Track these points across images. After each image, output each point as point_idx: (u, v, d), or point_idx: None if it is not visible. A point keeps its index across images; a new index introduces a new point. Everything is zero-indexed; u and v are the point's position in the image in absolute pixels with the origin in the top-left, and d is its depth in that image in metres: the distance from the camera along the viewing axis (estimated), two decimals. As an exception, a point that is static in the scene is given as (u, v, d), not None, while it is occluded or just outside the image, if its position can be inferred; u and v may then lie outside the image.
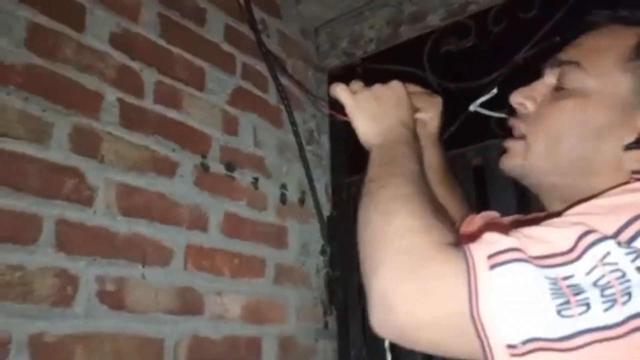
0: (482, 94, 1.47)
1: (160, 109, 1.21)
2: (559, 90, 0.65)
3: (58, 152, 1.00)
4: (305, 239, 1.53)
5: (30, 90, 0.98)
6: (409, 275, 0.51)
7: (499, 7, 1.49)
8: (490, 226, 0.80)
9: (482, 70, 1.51)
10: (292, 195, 1.52)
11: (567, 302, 0.44)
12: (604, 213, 0.49)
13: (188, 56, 1.32)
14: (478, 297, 0.46)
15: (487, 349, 0.46)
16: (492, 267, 0.47)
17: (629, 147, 0.59)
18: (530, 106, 0.68)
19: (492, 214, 0.92)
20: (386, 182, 0.62)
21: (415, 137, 0.73)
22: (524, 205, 1.33)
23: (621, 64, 0.61)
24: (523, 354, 0.44)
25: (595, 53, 0.63)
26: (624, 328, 0.43)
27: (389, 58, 1.65)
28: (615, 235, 0.46)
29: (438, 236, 0.54)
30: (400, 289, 0.51)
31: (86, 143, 1.05)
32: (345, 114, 0.77)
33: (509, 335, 0.45)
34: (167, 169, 1.20)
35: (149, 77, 1.20)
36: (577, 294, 0.44)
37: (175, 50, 1.29)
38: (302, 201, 1.55)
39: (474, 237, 0.53)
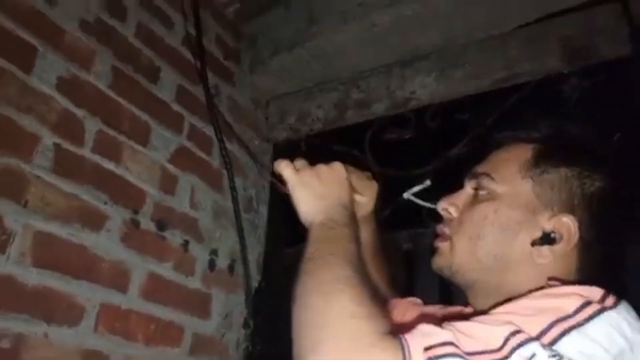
0: (416, 183, 1.58)
1: (97, 159, 1.18)
2: (476, 196, 0.75)
3: (-24, 191, 0.94)
4: (229, 310, 1.48)
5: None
6: None
7: (436, 106, 1.63)
8: (424, 317, 0.83)
9: (418, 161, 1.61)
10: (222, 262, 1.48)
11: None
12: (528, 315, 0.54)
13: (135, 110, 1.31)
14: None
15: None
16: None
17: (535, 243, 0.67)
18: (453, 212, 0.77)
19: (416, 300, 0.95)
20: (326, 262, 0.63)
21: (354, 218, 0.75)
22: (447, 290, 1.38)
23: (522, 173, 0.71)
24: None
25: (501, 165, 0.74)
26: None
27: (334, 138, 1.72)
28: (539, 337, 0.50)
29: (377, 324, 0.55)
30: None
31: (11, 184, 0.99)
32: (287, 188, 0.79)
33: None
34: (94, 221, 1.14)
35: (92, 126, 1.18)
36: None
37: (124, 102, 1.28)
38: (231, 269, 1.51)
39: (407, 326, 0.56)
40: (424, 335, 0.52)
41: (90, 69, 1.21)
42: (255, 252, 1.61)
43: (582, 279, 0.65)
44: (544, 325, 0.51)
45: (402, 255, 1.49)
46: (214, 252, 1.46)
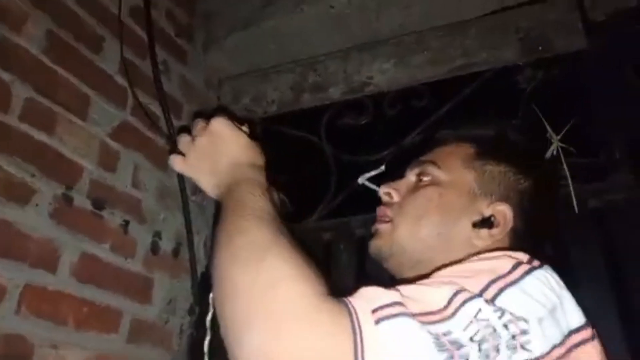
0: (371, 169, 1.55)
1: (26, 128, 1.09)
2: (418, 183, 0.79)
3: None
4: (173, 295, 1.41)
5: None
6: (290, 328, 0.47)
7: (394, 92, 1.60)
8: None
9: (374, 147, 1.59)
10: (166, 245, 1.41)
11: (451, 357, 0.45)
12: (466, 276, 0.54)
13: (74, 80, 1.23)
14: (364, 354, 0.45)
15: None
16: (378, 321, 0.46)
17: (475, 225, 0.72)
18: (395, 196, 0.80)
19: None
20: (240, 227, 0.58)
21: (254, 168, 0.70)
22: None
23: (465, 164, 0.77)
24: None
25: (446, 156, 0.80)
26: None
27: (289, 122, 1.68)
28: (480, 295, 0.51)
29: (315, 285, 0.51)
30: (282, 344, 0.47)
31: None
32: None
33: None
34: (20, 195, 1.05)
35: (20, 92, 1.09)
36: (459, 348, 0.46)
37: (60, 70, 1.19)
38: (176, 253, 1.44)
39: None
40: (370, 298, 0.49)
41: (21, 31, 1.11)
42: (202, 235, 1.55)
43: None
44: (483, 284, 0.51)
45: (355, 241, 1.46)
46: (157, 235, 1.38)
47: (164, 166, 1.45)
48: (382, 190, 0.81)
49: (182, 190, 1.42)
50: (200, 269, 1.49)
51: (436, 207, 0.73)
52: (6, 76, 1.06)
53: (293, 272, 0.51)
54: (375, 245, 0.77)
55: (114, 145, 1.30)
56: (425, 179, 0.78)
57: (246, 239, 0.56)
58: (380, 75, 1.63)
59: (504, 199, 0.74)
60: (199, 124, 0.74)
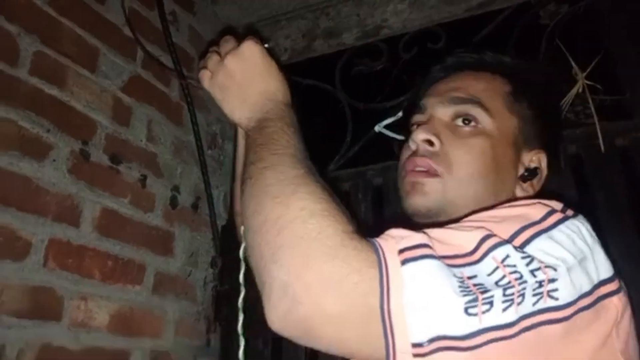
0: (388, 116, 1.51)
1: (37, 82, 1.07)
2: (462, 128, 0.69)
3: None
4: (194, 248, 1.42)
5: None
6: (317, 262, 0.47)
7: (410, 35, 1.54)
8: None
9: (390, 93, 1.54)
10: (185, 200, 1.41)
11: (475, 300, 0.44)
12: (497, 222, 0.52)
13: (81, 32, 1.19)
14: (389, 293, 0.45)
15: (390, 349, 0.44)
16: (404, 262, 0.46)
17: (524, 179, 0.69)
18: (437, 144, 0.68)
19: None
20: (270, 162, 0.56)
21: (286, 104, 0.66)
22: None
23: (508, 107, 0.70)
24: (427, 354, 0.43)
25: (488, 94, 0.70)
26: (515, 328, 0.44)
27: (302, 70, 1.63)
28: (509, 241, 0.49)
29: (344, 222, 0.50)
30: (307, 278, 0.46)
31: None
32: None
33: (416, 332, 0.44)
34: (36, 150, 1.04)
35: (28, 45, 1.06)
36: (484, 292, 0.45)
37: (66, 22, 1.16)
38: (195, 207, 1.44)
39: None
40: (397, 238, 0.49)
41: (23, -19, 1.07)
42: (221, 190, 1.54)
43: None
44: (513, 230, 0.50)
45: (372, 190, 1.44)
46: (175, 189, 1.38)
47: (178, 120, 1.43)
48: (421, 137, 0.68)
49: (199, 145, 1.40)
50: (220, 222, 1.49)
51: (490, 162, 0.66)
52: (12, 28, 1.03)
53: (323, 209, 0.50)
54: (420, 203, 0.66)
55: (126, 99, 1.28)
56: (472, 124, 0.68)
57: (277, 174, 0.55)
58: (395, 17, 1.57)
59: (542, 146, 0.70)
60: (229, 43, 0.70)
